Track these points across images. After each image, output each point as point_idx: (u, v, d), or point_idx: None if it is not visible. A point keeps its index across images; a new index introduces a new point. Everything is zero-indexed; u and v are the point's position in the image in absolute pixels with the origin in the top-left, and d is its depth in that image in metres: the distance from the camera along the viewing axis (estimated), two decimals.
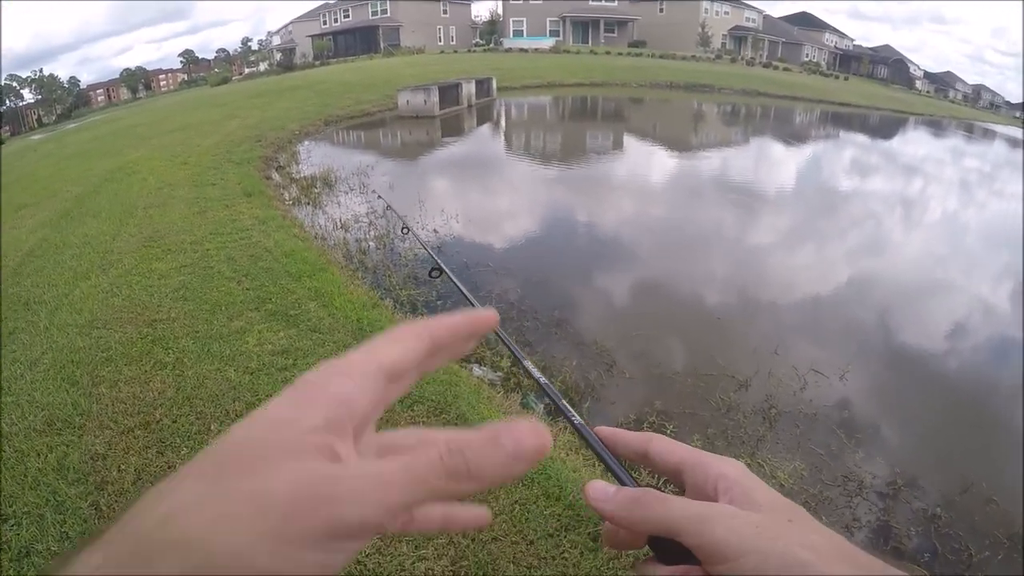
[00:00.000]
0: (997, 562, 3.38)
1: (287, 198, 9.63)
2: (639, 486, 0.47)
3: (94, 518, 2.90)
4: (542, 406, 4.18)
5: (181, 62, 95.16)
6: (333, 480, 0.29)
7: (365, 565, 2.61)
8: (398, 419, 3.57)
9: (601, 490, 0.47)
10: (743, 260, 8.01)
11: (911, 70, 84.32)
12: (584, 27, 61.04)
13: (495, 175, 13.01)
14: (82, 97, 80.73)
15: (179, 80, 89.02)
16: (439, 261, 1.16)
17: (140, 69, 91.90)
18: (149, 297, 5.39)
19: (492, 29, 65.12)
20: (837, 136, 24.42)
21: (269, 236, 6.93)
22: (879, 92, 50.99)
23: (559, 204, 10.59)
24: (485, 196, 11.31)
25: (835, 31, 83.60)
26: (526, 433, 0.32)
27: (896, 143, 24.67)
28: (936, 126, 33.57)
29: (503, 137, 18.55)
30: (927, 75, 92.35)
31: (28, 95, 74.30)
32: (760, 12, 70.98)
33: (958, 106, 64.89)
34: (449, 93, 21.31)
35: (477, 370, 4.58)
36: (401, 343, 0.37)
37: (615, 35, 61.39)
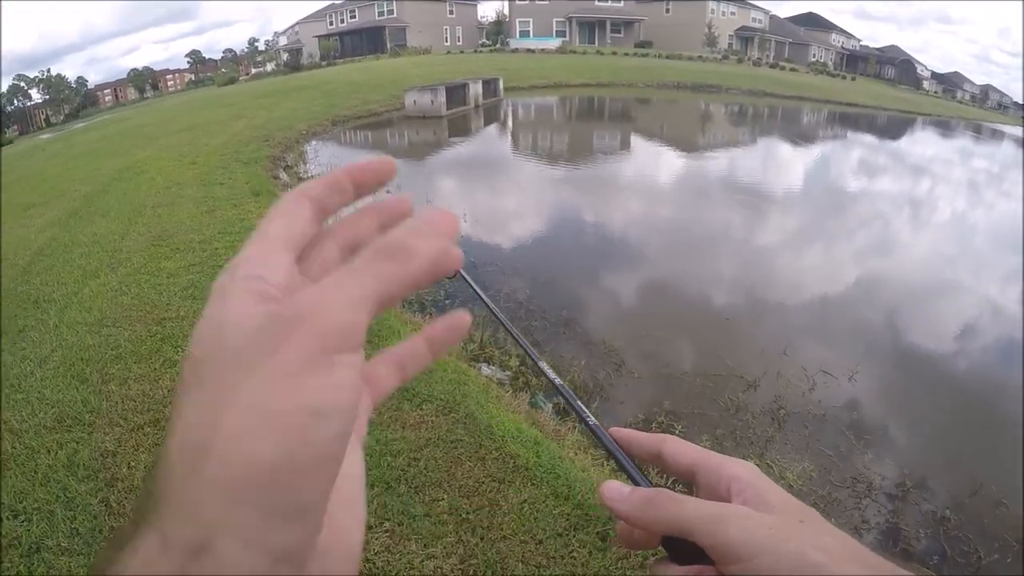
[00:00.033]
0: (1006, 565, 3.36)
1: None
2: (653, 487, 0.47)
3: (104, 514, 2.92)
4: (551, 405, 4.19)
5: (188, 62, 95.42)
6: (299, 304, 0.28)
7: (374, 563, 2.62)
8: (407, 418, 3.58)
9: (616, 490, 0.47)
10: (751, 260, 8.00)
11: (918, 70, 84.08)
12: (590, 27, 61.03)
13: (502, 175, 13.01)
14: (90, 97, 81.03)
15: (186, 80, 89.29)
16: None
17: (147, 69, 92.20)
18: (158, 295, 5.40)
19: (498, 29, 65.26)
20: (844, 136, 24.36)
21: None
22: (886, 92, 50.86)
23: (566, 204, 10.59)
24: (492, 196, 11.32)
25: (841, 31, 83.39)
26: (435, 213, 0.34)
27: (904, 143, 24.60)
28: (944, 127, 33.46)
29: (510, 137, 18.57)
30: (934, 75, 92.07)
31: (36, 95, 74.63)
32: (766, 12, 70.82)
33: (966, 106, 64.66)
34: (456, 93, 21.31)
35: (486, 369, 4.58)
36: (280, 216, 0.34)
37: (621, 35, 61.36)
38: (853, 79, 60.23)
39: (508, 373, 4.60)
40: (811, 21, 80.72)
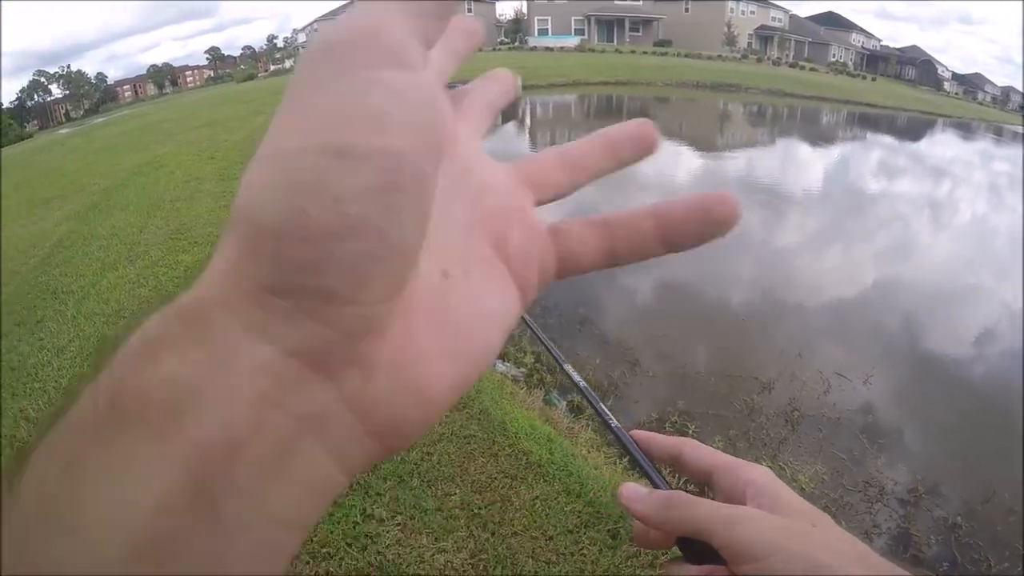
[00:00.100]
0: (1017, 574, 3.34)
1: None
2: (671, 489, 0.49)
3: None
4: (565, 403, 4.19)
5: (207, 59, 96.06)
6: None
7: (385, 556, 2.63)
8: None
9: (634, 492, 0.49)
10: (769, 261, 7.96)
11: (939, 71, 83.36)
12: (609, 26, 60.95)
13: None
14: (109, 93, 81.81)
15: (205, 77, 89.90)
16: None
17: (167, 65, 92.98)
18: (175, 288, 5.37)
19: (517, 28, 65.16)
20: (864, 138, 24.19)
21: None
22: (906, 93, 50.46)
23: (584, 202, 10.54)
24: None
25: (862, 31, 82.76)
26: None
27: (924, 145, 24.39)
28: (964, 129, 33.13)
29: (528, 135, 18.56)
30: (955, 76, 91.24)
31: (56, 90, 75.40)
32: (786, 12, 70.46)
33: (987, 108, 63.99)
34: None
35: (500, 366, 4.59)
36: None
37: (640, 34, 61.25)
38: (873, 79, 59.79)
39: (523, 370, 4.61)
40: (831, 20, 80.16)
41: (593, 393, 0.60)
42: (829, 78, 49.03)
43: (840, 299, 6.87)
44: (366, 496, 2.94)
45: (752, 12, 63.68)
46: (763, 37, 65.20)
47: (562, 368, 0.63)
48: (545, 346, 0.66)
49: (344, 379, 0.21)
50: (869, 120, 29.93)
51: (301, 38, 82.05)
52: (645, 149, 0.36)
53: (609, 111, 25.94)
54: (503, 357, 4.74)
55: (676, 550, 0.49)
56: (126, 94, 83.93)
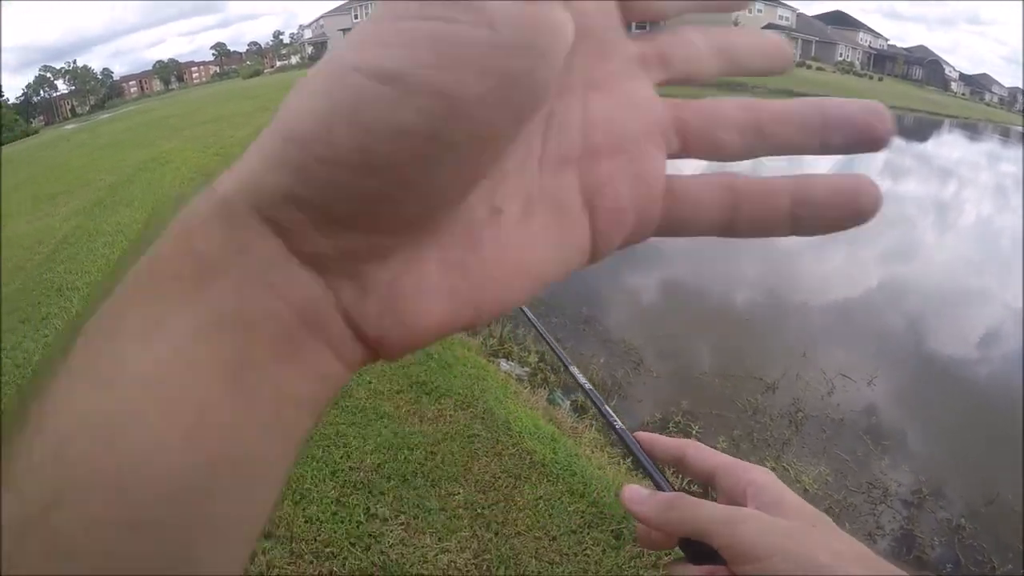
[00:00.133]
0: (1020, 575, 3.33)
1: None
2: (673, 491, 0.50)
3: None
4: (569, 402, 4.19)
5: (213, 55, 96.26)
6: None
7: (388, 556, 2.64)
8: (425, 411, 3.60)
9: (637, 494, 0.50)
10: (773, 261, 7.95)
11: (946, 71, 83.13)
12: None
13: None
14: (115, 88, 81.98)
15: (211, 72, 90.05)
16: None
17: (172, 61, 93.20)
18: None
19: None
20: None
21: None
22: (913, 93, 50.38)
23: None
24: None
25: (869, 30, 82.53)
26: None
27: (930, 146, 24.35)
28: (971, 129, 33.07)
29: None
30: (962, 77, 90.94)
31: (62, 86, 75.60)
32: (794, 10, 70.34)
33: (994, 109, 63.80)
34: None
35: (505, 365, 4.59)
36: None
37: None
38: (880, 79, 59.73)
39: (527, 369, 4.61)
40: (839, 20, 79.96)
41: (598, 395, 0.61)
42: (836, 77, 48.99)
43: (845, 300, 6.86)
44: (370, 495, 2.95)
45: (759, 11, 63.64)
46: None
47: (568, 370, 0.63)
48: (551, 347, 0.66)
49: (340, 288, 0.22)
50: None
51: (307, 34, 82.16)
52: (867, 142, 0.28)
53: None
54: (507, 356, 4.74)
55: (679, 551, 0.49)
56: (132, 90, 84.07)
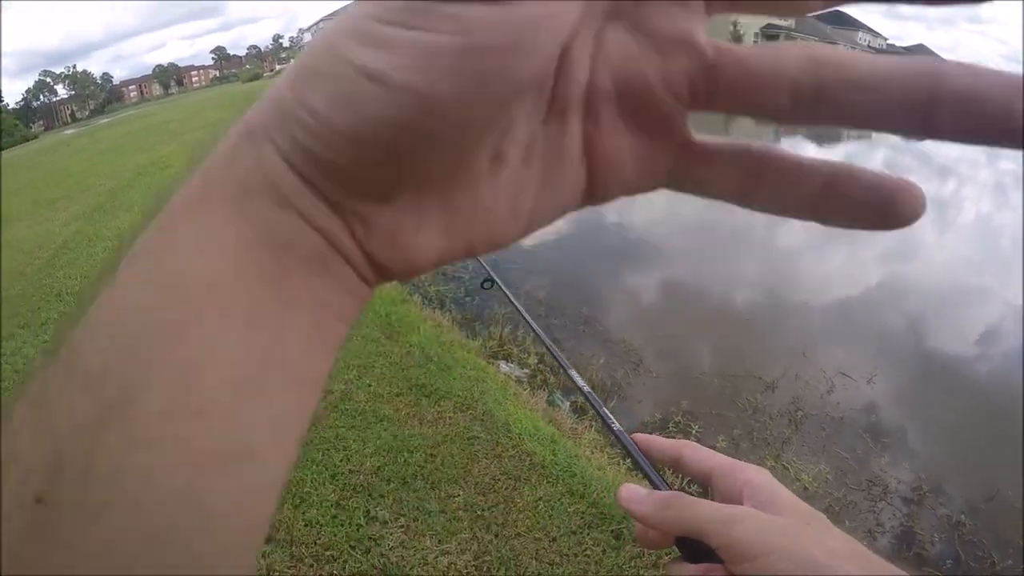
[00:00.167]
0: (1020, 571, 3.33)
1: None
2: (670, 490, 0.51)
3: None
4: (568, 403, 4.19)
5: (213, 59, 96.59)
6: None
7: (388, 559, 2.64)
8: (425, 414, 3.60)
9: (634, 493, 0.50)
10: (773, 261, 7.95)
11: None
12: None
13: None
14: (115, 93, 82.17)
15: (211, 76, 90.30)
16: (491, 272, 1.19)
17: (172, 65, 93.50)
18: None
19: None
20: (869, 137, 24.12)
21: None
22: None
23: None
24: None
25: (869, 30, 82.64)
26: None
27: (929, 144, 24.30)
28: None
29: None
30: None
31: (62, 91, 75.70)
32: None
33: None
34: None
35: (504, 367, 4.60)
36: None
37: None
38: None
39: (526, 371, 4.61)
40: (838, 19, 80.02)
41: (596, 397, 0.61)
42: None
43: (844, 298, 6.86)
44: (369, 498, 2.95)
45: None
46: (769, 36, 65.02)
47: (567, 373, 0.64)
48: (550, 351, 0.67)
49: (350, 222, 0.24)
50: None
51: (307, 37, 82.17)
52: (997, 132, 0.20)
53: None
54: (507, 358, 4.75)
55: (676, 550, 0.49)
56: (131, 94, 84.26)
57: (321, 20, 74.87)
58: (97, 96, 76.63)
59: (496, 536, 2.78)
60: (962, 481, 3.99)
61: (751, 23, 61.26)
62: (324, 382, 0.25)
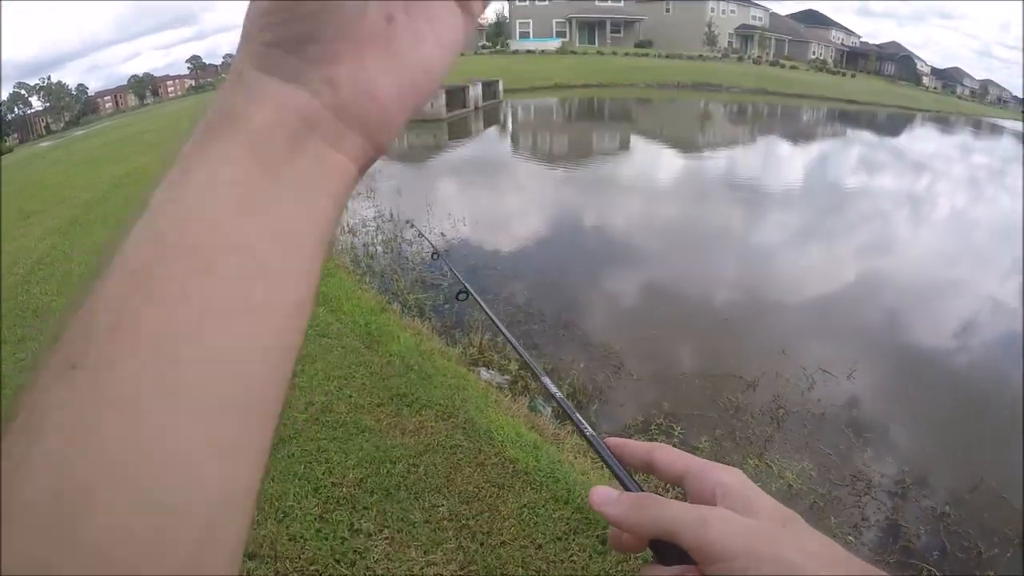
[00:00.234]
0: (1006, 560, 3.37)
1: None
2: (642, 491, 0.49)
3: None
4: (550, 409, 4.19)
5: (189, 68, 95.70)
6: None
7: (374, 571, 2.62)
8: (406, 424, 3.59)
9: (605, 494, 0.49)
10: (750, 260, 8.01)
11: (918, 66, 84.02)
12: (590, 28, 61.13)
13: (502, 178, 13.07)
14: (90, 104, 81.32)
15: (187, 86, 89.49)
16: (467, 285, 1.19)
17: (148, 75, 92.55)
18: None
19: (498, 31, 65.24)
20: (844, 134, 24.38)
21: None
22: (886, 89, 50.88)
23: (566, 206, 10.62)
24: (492, 199, 11.35)
25: (842, 28, 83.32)
26: None
27: (903, 140, 24.61)
28: (944, 122, 33.46)
29: (510, 140, 18.62)
30: (934, 71, 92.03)
31: (36, 103, 74.86)
32: (766, 10, 70.87)
33: (966, 102, 64.70)
34: (456, 96, 21.34)
35: (485, 374, 4.59)
36: None
37: (621, 35, 61.46)
38: (853, 76, 60.23)
39: (507, 377, 4.61)
40: (811, 18, 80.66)
41: (568, 403, 0.61)
42: (809, 75, 49.41)
43: (821, 295, 6.92)
44: (353, 511, 2.93)
45: (732, 11, 64.00)
46: (744, 36, 65.54)
47: (540, 381, 0.64)
48: (524, 359, 0.67)
49: (319, 93, 0.30)
50: (849, 116, 30.18)
51: None
52: None
53: (591, 113, 26.01)
54: (487, 365, 4.74)
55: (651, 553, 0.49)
56: (107, 105, 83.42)
57: None
58: (72, 108, 75.80)
59: (482, 545, 2.78)
60: (945, 472, 4.03)
61: (726, 23, 61.70)
62: (318, 256, 0.31)
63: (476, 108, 22.94)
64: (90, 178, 12.75)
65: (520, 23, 61.36)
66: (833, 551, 0.42)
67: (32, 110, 74.23)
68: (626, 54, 50.58)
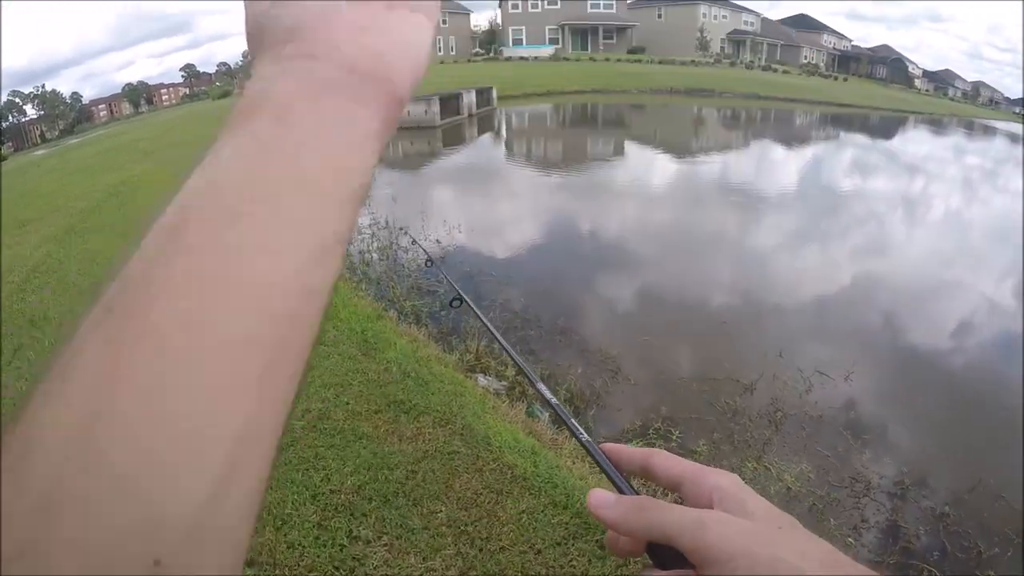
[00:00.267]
0: (1007, 559, 3.37)
1: None
2: (638, 495, 0.50)
3: None
4: (547, 415, 4.18)
5: (183, 76, 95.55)
6: None
7: None
8: (404, 430, 3.58)
9: (602, 498, 0.49)
10: (747, 263, 8.02)
11: (910, 69, 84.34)
12: (583, 34, 61.33)
13: (497, 184, 13.07)
14: (84, 112, 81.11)
15: (181, 94, 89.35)
16: (460, 292, 1.19)
17: (142, 84, 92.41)
18: None
19: (492, 38, 65.40)
20: (837, 137, 24.46)
21: None
22: (878, 92, 51.04)
23: (561, 212, 10.62)
24: (487, 206, 11.35)
25: (833, 32, 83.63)
26: None
27: (896, 142, 24.69)
28: (936, 124, 33.59)
29: (504, 146, 18.65)
30: (926, 73, 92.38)
31: (31, 111, 74.69)
32: (758, 15, 71.18)
33: (957, 103, 64.96)
34: (450, 103, 21.36)
35: (482, 380, 4.58)
36: None
37: (614, 41, 61.64)
38: (845, 79, 60.44)
39: (504, 383, 4.60)
40: (802, 23, 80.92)
41: (564, 409, 0.61)
42: (801, 80, 49.55)
43: (818, 298, 6.93)
44: (351, 518, 2.92)
45: (724, 16, 64.27)
46: (735, 41, 65.78)
47: (534, 387, 0.64)
48: (519, 366, 0.67)
49: (329, 57, 0.33)
50: (842, 120, 30.28)
51: None
52: None
53: (585, 119, 26.06)
54: (484, 371, 4.74)
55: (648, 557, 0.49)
56: (101, 114, 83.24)
57: None
58: (67, 116, 75.59)
59: (481, 551, 2.77)
60: (945, 473, 4.04)
61: (717, 28, 61.88)
62: (348, 203, 0.33)
63: (470, 115, 22.96)
64: (85, 186, 12.73)
65: (513, 30, 61.54)
66: (827, 552, 0.42)
67: (27, 118, 74.05)
68: (619, 60, 50.78)
